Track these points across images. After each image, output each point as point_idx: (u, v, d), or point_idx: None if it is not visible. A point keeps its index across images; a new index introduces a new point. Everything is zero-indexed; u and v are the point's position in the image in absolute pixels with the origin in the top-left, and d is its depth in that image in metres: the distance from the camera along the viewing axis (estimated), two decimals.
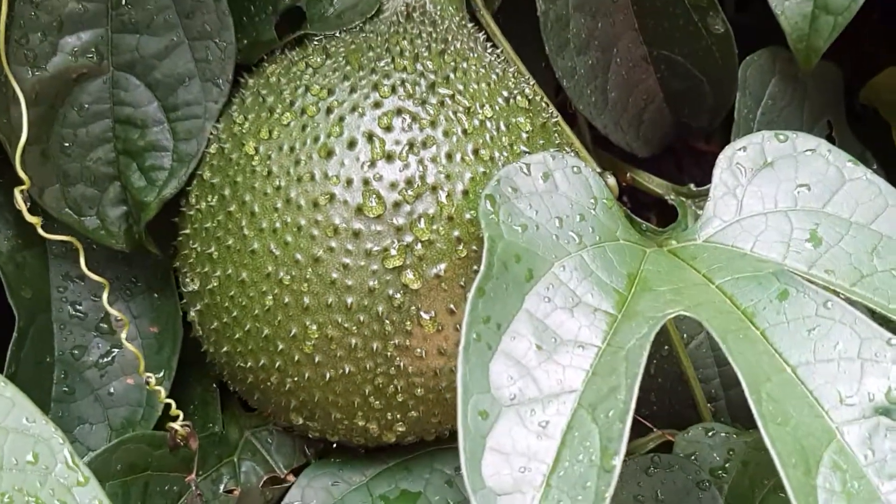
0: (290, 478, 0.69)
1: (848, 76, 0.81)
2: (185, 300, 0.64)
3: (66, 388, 0.67)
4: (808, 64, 0.71)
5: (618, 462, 0.44)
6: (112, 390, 0.68)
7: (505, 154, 0.58)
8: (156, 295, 0.69)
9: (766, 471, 0.65)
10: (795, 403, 0.45)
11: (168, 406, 0.60)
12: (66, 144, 0.62)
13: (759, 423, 0.43)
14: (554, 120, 0.63)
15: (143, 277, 0.69)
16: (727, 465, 0.66)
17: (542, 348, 0.49)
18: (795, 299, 0.49)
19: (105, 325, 0.69)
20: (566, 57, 0.68)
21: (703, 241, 0.57)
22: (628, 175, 0.76)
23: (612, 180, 0.69)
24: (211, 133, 0.62)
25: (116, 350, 0.69)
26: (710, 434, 0.68)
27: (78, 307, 0.69)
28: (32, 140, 0.60)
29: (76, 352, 0.68)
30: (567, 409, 0.47)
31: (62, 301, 0.68)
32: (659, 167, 0.81)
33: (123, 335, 0.59)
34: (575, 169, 0.56)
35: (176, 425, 0.57)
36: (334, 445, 0.68)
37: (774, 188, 0.57)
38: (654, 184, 0.75)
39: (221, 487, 0.67)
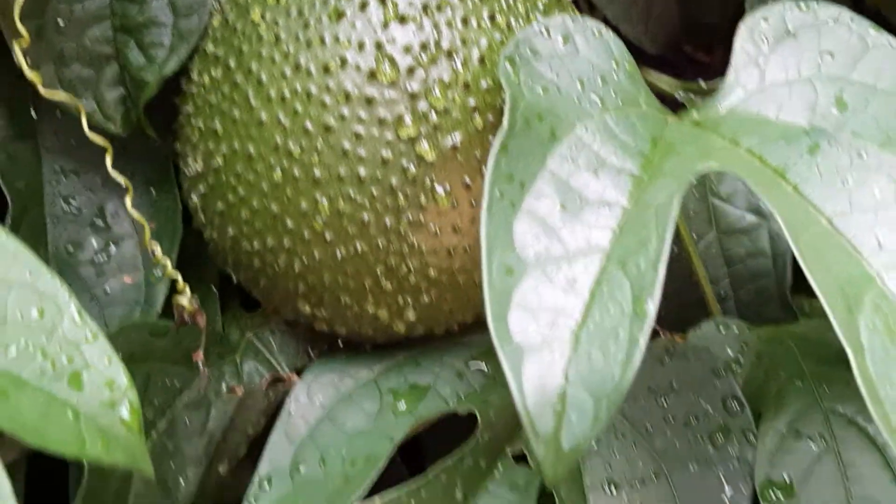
0: (294, 378, 0.67)
1: None
2: (185, 187, 0.62)
3: None
4: None
5: (651, 307, 0.43)
6: (108, 289, 0.66)
7: (521, 22, 0.56)
8: (153, 189, 0.67)
9: (781, 362, 0.64)
10: (833, 253, 0.44)
11: (172, 292, 0.58)
12: (62, 22, 0.60)
13: (805, 269, 0.42)
14: None
15: (141, 171, 0.66)
16: (741, 359, 0.65)
17: (567, 208, 0.48)
18: (828, 153, 0.48)
19: (100, 222, 0.67)
20: None
21: (726, 111, 0.55)
22: None
23: None
24: (214, 6, 0.59)
25: (113, 247, 0.66)
26: (722, 329, 0.67)
27: (72, 201, 0.66)
28: (27, 14, 0.58)
29: (70, 248, 0.66)
30: (595, 266, 0.46)
31: (55, 195, 0.66)
32: None
33: (128, 200, 0.57)
34: (596, 32, 0.54)
35: (183, 300, 0.55)
36: (340, 343, 0.66)
37: (798, 57, 0.55)
38: (662, 81, 0.73)
39: (223, 386, 0.65)
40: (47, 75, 0.60)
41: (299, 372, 0.67)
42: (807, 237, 0.44)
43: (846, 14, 0.56)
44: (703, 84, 0.71)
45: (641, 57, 0.76)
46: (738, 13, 0.72)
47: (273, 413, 0.67)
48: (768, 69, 0.56)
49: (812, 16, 0.57)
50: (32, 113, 0.65)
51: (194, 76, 0.59)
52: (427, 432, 0.62)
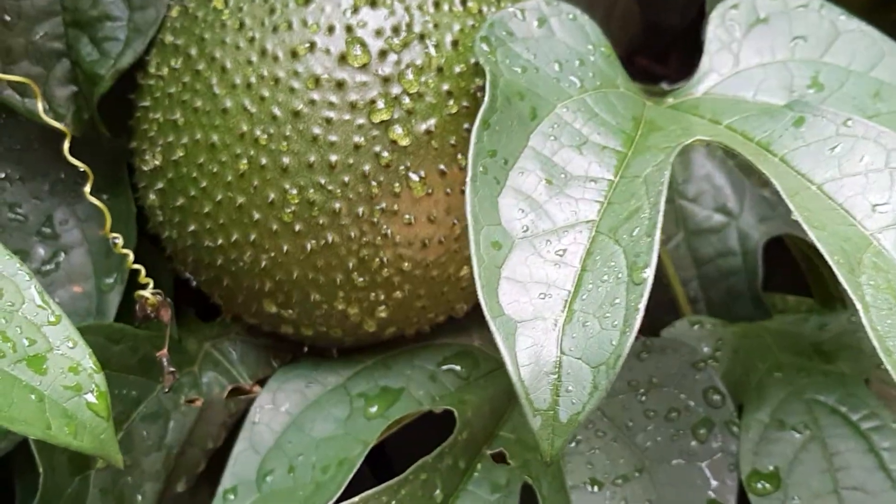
0: (256, 388, 0.64)
1: None
2: (142, 185, 0.59)
3: None
4: None
5: (648, 275, 0.41)
6: (58, 300, 0.62)
7: (493, 9, 0.55)
8: (105, 196, 0.64)
9: (758, 355, 0.63)
10: (827, 215, 0.43)
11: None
12: (9, 18, 0.57)
13: (804, 225, 0.41)
14: None
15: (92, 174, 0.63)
16: (717, 354, 0.64)
17: (553, 183, 0.46)
18: (813, 123, 0.47)
19: (48, 230, 0.63)
20: None
21: (702, 94, 0.55)
22: None
23: None
24: None
25: (62, 256, 0.63)
26: (695, 326, 0.66)
27: (18, 210, 0.63)
28: None
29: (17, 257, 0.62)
30: (584, 237, 0.44)
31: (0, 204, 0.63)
32: None
33: (87, 188, 0.54)
34: (571, 16, 0.53)
35: (146, 293, 0.52)
36: (305, 350, 0.64)
37: (770, 41, 0.56)
38: None
39: (182, 398, 0.61)
40: None
41: (261, 382, 0.64)
42: (799, 198, 0.44)
43: (815, 1, 0.57)
44: (665, 86, 0.70)
45: None
46: (697, 18, 0.72)
47: (234, 426, 0.64)
48: (742, 53, 0.56)
49: (781, 3, 0.57)
50: None
51: (151, 69, 0.57)
52: (393, 441, 0.60)
